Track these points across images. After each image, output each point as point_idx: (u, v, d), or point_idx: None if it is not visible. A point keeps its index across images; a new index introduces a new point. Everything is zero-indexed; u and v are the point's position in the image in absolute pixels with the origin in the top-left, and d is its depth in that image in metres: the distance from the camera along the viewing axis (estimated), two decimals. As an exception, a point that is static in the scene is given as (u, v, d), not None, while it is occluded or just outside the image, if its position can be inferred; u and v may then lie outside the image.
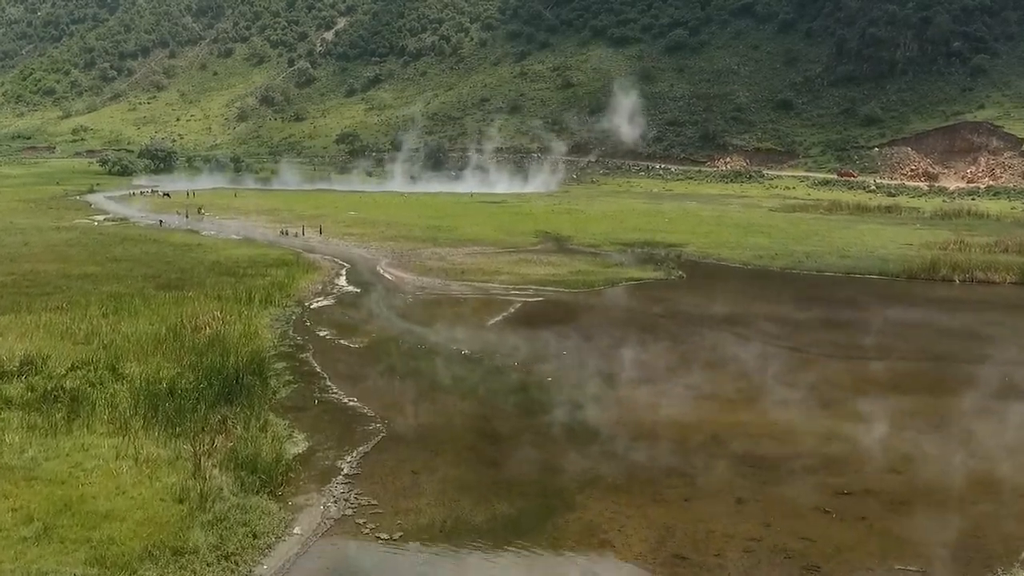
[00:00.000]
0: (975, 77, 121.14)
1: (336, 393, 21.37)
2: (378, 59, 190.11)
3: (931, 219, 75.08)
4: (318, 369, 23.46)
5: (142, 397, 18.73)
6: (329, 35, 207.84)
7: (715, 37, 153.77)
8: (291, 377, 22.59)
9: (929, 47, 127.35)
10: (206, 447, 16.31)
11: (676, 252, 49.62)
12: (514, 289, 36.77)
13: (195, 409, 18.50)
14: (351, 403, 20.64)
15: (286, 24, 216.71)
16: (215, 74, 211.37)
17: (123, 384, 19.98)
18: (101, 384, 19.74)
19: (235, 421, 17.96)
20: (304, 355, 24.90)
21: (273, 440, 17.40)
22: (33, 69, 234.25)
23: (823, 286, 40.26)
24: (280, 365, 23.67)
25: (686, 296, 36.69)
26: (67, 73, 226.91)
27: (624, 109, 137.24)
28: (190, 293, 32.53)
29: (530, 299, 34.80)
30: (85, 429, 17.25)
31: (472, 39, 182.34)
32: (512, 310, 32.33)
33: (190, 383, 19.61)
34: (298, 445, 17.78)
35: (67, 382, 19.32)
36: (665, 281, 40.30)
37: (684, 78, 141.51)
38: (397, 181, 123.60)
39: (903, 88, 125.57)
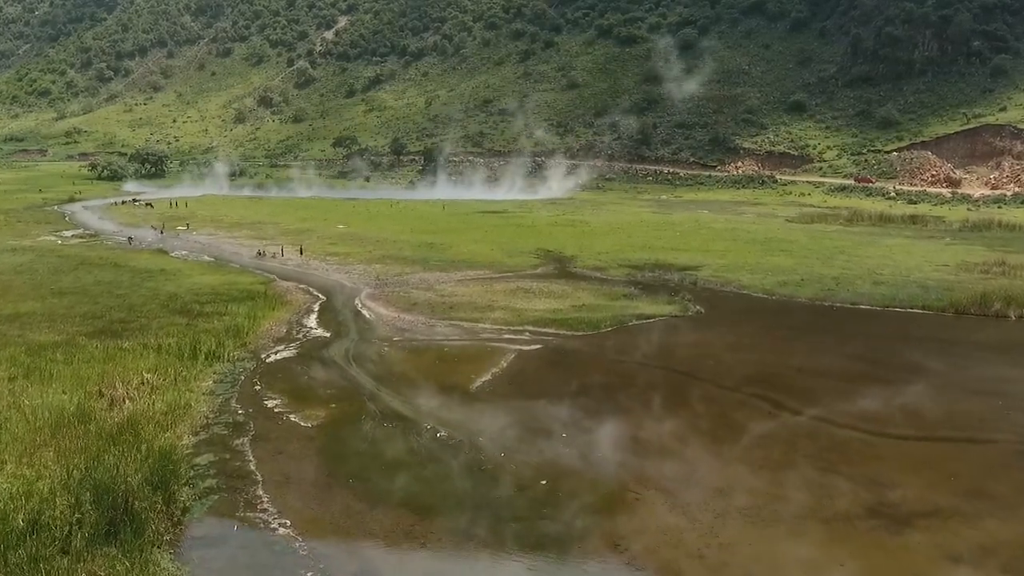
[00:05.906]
0: (996, 78, 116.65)
1: (266, 511, 16.40)
2: (379, 59, 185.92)
3: (960, 231, 70.36)
4: (252, 467, 18.48)
5: (-8, 536, 13.95)
6: (329, 34, 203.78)
7: (725, 36, 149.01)
8: (214, 482, 17.61)
9: (948, 47, 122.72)
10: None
11: (691, 278, 44.77)
12: (508, 332, 31.93)
13: (63, 553, 13.72)
14: (281, 530, 15.64)
15: (286, 23, 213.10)
16: (213, 74, 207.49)
17: (-19, 506, 15.21)
18: (-50, 509, 14.98)
19: (108, 580, 13.17)
20: (239, 441, 19.99)
21: (155, 613, 12.63)
22: (29, 69, 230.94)
23: (867, 324, 34.71)
24: (205, 460, 18.76)
25: (709, 343, 31.44)
26: (63, 74, 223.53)
27: (631, 111, 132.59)
28: (127, 343, 27.87)
29: (525, 346, 29.93)
30: None
31: (475, 38, 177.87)
32: (504, 364, 27.44)
33: (64, 510, 14.77)
34: (190, 619, 12.93)
35: (-101, 511, 14.53)
36: (682, 319, 35.29)
37: (693, 79, 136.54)
38: (393, 187, 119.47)
39: (921, 89, 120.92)
